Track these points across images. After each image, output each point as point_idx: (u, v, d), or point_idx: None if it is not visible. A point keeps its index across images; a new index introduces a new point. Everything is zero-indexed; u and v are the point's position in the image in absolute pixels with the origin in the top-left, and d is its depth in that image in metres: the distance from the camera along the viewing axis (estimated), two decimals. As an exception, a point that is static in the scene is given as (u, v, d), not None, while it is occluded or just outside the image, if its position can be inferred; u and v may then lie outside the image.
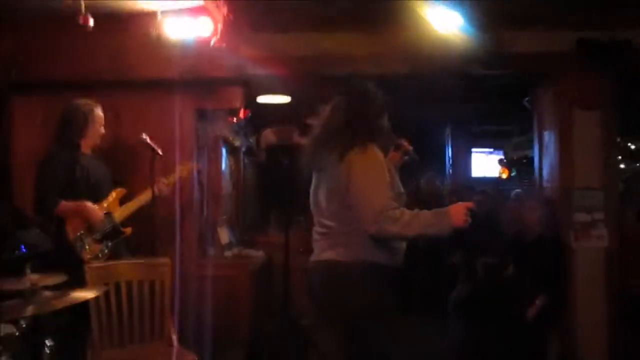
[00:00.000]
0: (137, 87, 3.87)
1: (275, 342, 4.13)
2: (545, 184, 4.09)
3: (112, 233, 3.27)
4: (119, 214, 3.32)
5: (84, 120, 3.28)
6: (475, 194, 5.44)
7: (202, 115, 4.39)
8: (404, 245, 2.35)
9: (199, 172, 4.26)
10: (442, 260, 5.35)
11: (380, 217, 2.11)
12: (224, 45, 3.48)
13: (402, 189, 2.35)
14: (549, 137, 4.03)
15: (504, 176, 7.28)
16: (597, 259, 3.75)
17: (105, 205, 3.30)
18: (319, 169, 2.37)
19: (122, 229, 3.32)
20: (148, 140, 3.31)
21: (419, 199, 5.85)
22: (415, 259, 5.57)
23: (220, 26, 3.47)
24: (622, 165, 4.38)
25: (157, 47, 3.65)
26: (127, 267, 2.82)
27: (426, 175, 6.20)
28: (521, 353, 3.70)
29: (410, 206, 2.25)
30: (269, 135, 4.93)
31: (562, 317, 3.74)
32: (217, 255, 4.29)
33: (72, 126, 3.27)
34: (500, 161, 7.49)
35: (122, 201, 3.39)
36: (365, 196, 2.16)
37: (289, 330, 4.10)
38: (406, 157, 2.57)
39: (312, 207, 2.40)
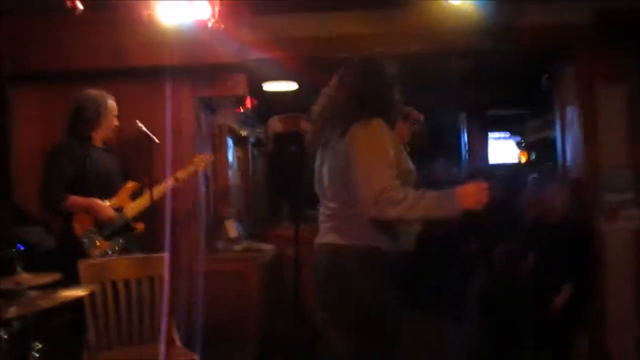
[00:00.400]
0: (136, 76, 3.72)
1: (286, 338, 3.98)
2: (569, 164, 3.86)
3: (122, 230, 3.12)
4: (131, 209, 3.17)
5: (96, 111, 3.16)
6: (492, 179, 5.22)
7: (205, 104, 4.24)
8: (414, 228, 2.16)
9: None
10: (458, 250, 5.15)
11: (381, 200, 1.93)
12: (222, 27, 3.30)
13: (410, 166, 2.16)
14: (571, 114, 3.80)
15: (524, 160, 7.02)
16: (628, 241, 3.51)
17: (115, 200, 3.15)
18: (323, 147, 2.21)
19: (134, 225, 3.18)
20: (143, 127, 3.17)
21: (433, 187, 5.63)
22: (430, 250, 5.40)
23: (217, 8, 3.30)
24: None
25: (154, 33, 3.49)
26: (123, 264, 2.66)
27: (440, 162, 5.95)
28: (545, 348, 3.49)
29: None
30: (275, 123, 4.74)
31: (590, 308, 3.50)
32: (225, 250, 4.15)
33: (84, 117, 3.15)
34: (519, 144, 7.22)
35: (135, 196, 3.24)
36: (364, 176, 1.98)
37: (300, 326, 3.93)
38: (416, 127, 2.37)
39: (316, 187, 2.24)
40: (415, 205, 1.94)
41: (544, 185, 3.89)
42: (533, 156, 6.90)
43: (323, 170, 2.18)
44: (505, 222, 4.47)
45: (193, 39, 3.56)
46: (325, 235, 2.16)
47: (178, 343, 2.63)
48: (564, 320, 3.35)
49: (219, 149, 4.39)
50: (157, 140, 3.19)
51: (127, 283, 2.58)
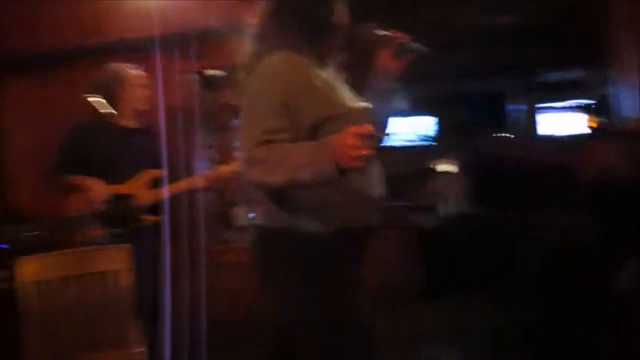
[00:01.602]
0: (120, 51, 3.36)
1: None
2: (628, 115, 3.22)
3: (122, 218, 2.77)
4: (145, 198, 2.81)
5: (110, 86, 2.85)
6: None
7: (206, 80, 3.87)
8: (366, 193, 1.57)
9: (210, 146, 3.76)
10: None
11: (247, 160, 1.47)
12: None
13: (351, 104, 1.59)
14: (629, 55, 3.15)
15: (594, 126, 6.08)
16: None
17: (127, 186, 2.80)
18: None
19: (144, 216, 2.81)
20: (89, 99, 2.81)
21: (479, 171, 5.05)
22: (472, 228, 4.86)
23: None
24: None
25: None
26: (71, 258, 2.26)
27: (484, 136, 5.32)
28: (605, 331, 2.91)
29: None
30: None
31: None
32: (232, 240, 3.78)
33: (102, 94, 2.85)
34: (583, 108, 6.32)
35: (156, 184, 2.87)
36: (240, 132, 1.53)
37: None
38: (407, 55, 1.73)
39: None
40: (280, 165, 1.42)
41: (599, 144, 3.28)
42: (601, 119, 5.99)
43: None
44: (557, 190, 3.89)
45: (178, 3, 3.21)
46: None
47: (137, 348, 2.21)
48: (627, 300, 2.76)
49: (224, 130, 4.00)
50: (114, 112, 2.82)
51: (65, 281, 2.18)
